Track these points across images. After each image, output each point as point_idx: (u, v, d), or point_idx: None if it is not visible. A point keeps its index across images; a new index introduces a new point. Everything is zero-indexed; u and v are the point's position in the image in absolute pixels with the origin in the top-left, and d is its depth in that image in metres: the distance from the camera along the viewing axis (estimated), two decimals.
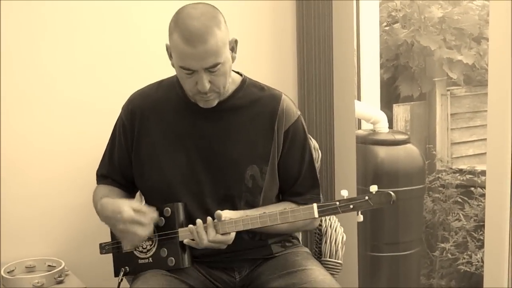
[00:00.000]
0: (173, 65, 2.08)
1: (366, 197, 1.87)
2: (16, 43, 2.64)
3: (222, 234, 2.01)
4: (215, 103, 2.09)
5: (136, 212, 2.04)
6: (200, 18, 1.96)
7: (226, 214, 2.03)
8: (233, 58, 2.08)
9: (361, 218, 1.92)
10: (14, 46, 2.64)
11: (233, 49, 2.08)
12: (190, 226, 2.04)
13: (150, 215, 2.07)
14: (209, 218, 2.01)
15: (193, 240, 2.05)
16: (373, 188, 1.87)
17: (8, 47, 2.62)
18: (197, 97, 2.06)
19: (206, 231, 2.01)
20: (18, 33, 2.64)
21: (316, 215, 1.93)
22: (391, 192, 1.86)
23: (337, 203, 1.90)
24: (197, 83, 2.00)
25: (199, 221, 2.02)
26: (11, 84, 2.65)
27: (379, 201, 1.87)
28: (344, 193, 1.91)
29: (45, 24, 2.68)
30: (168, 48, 2.07)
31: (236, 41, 2.08)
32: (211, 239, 2.00)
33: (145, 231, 2.05)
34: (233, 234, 2.02)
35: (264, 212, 2.01)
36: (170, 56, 2.07)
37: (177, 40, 1.97)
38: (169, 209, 2.11)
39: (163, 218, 2.12)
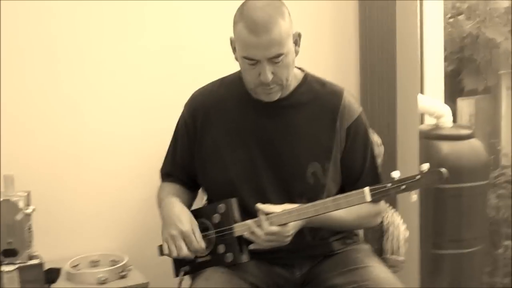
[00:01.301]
0: (236, 59, 2.09)
1: (418, 176, 1.84)
2: (81, 42, 2.71)
3: (278, 226, 1.99)
4: (277, 96, 2.09)
5: (192, 232, 2.08)
6: (265, 8, 1.97)
7: (282, 207, 2.02)
8: (297, 52, 2.08)
9: (415, 198, 1.88)
10: (82, 44, 2.71)
11: (296, 42, 2.07)
12: (247, 222, 2.05)
13: (200, 244, 2.09)
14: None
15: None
16: (425, 167, 1.84)
17: (87, 44, 2.70)
18: (259, 89, 2.06)
19: (260, 227, 2.01)
20: (70, 32, 2.70)
21: (369, 198, 1.91)
22: (443, 169, 1.81)
23: (389, 184, 1.87)
24: (260, 74, 2.00)
25: (248, 221, 2.04)
26: (78, 81, 2.72)
27: (431, 179, 1.83)
28: (396, 174, 1.88)
29: (101, 23, 2.73)
30: (232, 42, 2.07)
31: (299, 35, 2.08)
32: (266, 231, 1.99)
33: (186, 252, 2.08)
34: (291, 225, 2.01)
35: (337, 196, 1.99)
36: (234, 50, 2.08)
37: (242, 30, 1.97)
38: (223, 205, 2.12)
39: (218, 215, 2.13)
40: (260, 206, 2.02)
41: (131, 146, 2.80)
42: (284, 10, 2.02)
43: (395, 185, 1.86)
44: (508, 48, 4.49)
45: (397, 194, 1.89)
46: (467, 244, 3.59)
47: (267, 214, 2.00)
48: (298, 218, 2.00)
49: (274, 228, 1.99)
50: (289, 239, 2.03)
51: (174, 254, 2.10)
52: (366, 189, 1.91)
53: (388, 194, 1.90)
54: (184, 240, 2.08)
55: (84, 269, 2.60)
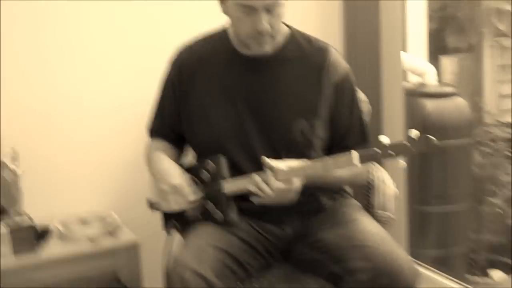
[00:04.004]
0: (225, 12, 2.07)
1: (407, 143, 1.83)
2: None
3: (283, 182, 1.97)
4: (268, 48, 2.07)
5: (184, 184, 2.09)
6: None
7: (286, 163, 1.99)
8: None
9: (403, 164, 1.88)
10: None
11: None
12: (253, 176, 2.01)
13: (191, 197, 2.10)
14: (266, 169, 1.98)
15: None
16: (414, 133, 1.83)
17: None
18: (251, 40, 2.04)
19: (266, 183, 1.98)
20: (56, 20, 2.69)
21: (357, 163, 1.89)
22: (432, 137, 1.81)
23: (378, 150, 1.86)
24: (256, 24, 1.98)
25: (255, 176, 2.00)
26: (64, 46, 2.71)
27: (419, 146, 1.81)
28: (385, 140, 1.86)
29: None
30: None
31: None
32: (274, 188, 1.97)
33: (178, 205, 2.10)
34: (297, 182, 1.98)
35: (326, 158, 1.97)
36: (222, 2, 2.06)
37: None
38: (211, 162, 2.12)
39: (206, 172, 2.13)
40: (266, 160, 1.99)
41: (118, 105, 2.80)
42: None
43: (384, 151, 1.86)
44: (490, 5, 4.50)
45: (385, 160, 1.89)
46: (452, 201, 3.63)
47: (271, 169, 1.98)
48: (302, 175, 1.99)
49: (281, 185, 1.97)
50: (294, 195, 2.02)
51: (166, 208, 2.10)
52: (355, 153, 1.89)
53: (376, 159, 1.89)
54: (176, 194, 2.08)
55: (74, 227, 2.59)
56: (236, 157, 2.14)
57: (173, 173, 2.11)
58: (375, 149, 1.86)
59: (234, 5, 2.00)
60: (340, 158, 1.93)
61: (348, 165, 1.92)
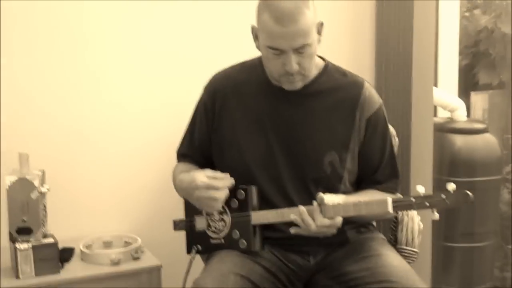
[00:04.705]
0: (258, 48, 2.08)
1: (443, 196, 1.82)
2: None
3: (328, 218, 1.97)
4: (299, 85, 2.08)
5: (210, 178, 2.06)
6: None
7: (329, 198, 2.00)
8: (319, 41, 2.06)
9: (437, 216, 1.87)
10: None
11: (319, 31, 2.06)
12: (294, 214, 2.01)
13: (224, 181, 2.08)
14: (314, 203, 1.98)
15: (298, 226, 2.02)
16: (451, 187, 1.82)
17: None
18: (283, 78, 2.05)
19: (312, 217, 1.98)
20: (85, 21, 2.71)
21: (390, 210, 1.90)
22: (469, 193, 1.81)
23: (413, 199, 1.86)
24: (285, 64, 2.00)
25: (301, 207, 2.00)
26: (95, 63, 2.73)
27: (456, 200, 1.82)
28: (421, 190, 1.87)
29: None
30: (254, 30, 2.07)
31: (322, 24, 2.06)
32: (319, 224, 1.97)
33: (220, 194, 2.07)
34: (339, 218, 1.99)
35: (359, 201, 1.98)
36: (255, 38, 2.07)
37: (267, 20, 1.96)
38: (242, 191, 2.12)
39: (236, 200, 2.13)
40: (321, 195, 1.98)
41: (146, 128, 2.81)
42: (309, 0, 2.00)
43: (419, 201, 1.86)
44: None
45: (419, 210, 1.89)
46: (478, 238, 3.59)
47: (320, 204, 1.98)
48: (353, 214, 1.99)
49: (327, 221, 1.97)
50: (334, 231, 2.03)
51: (215, 206, 2.09)
52: (389, 200, 1.90)
53: (410, 209, 1.91)
54: (209, 189, 2.06)
55: (98, 250, 2.60)
56: (263, 186, 2.14)
57: (195, 176, 2.08)
58: (411, 198, 1.87)
59: (264, 46, 2.02)
60: (375, 202, 1.94)
61: (382, 211, 1.93)
